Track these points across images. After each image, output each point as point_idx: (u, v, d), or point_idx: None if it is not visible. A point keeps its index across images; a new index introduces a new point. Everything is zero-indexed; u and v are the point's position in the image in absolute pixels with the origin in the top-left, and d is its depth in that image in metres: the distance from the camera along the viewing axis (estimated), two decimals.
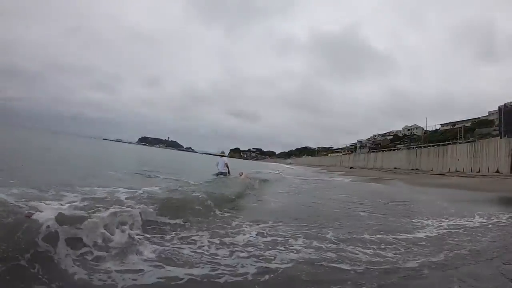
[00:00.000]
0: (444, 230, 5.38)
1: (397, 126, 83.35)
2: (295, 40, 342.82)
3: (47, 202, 3.83)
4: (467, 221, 6.33)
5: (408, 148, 48.79)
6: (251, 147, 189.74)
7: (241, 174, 13.18)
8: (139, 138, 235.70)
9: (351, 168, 52.79)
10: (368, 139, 77.06)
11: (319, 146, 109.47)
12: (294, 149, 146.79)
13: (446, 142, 38.86)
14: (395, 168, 43.44)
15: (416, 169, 38.89)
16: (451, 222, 6.11)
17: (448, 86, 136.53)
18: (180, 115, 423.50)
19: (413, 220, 6.17)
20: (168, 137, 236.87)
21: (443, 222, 6.11)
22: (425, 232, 5.21)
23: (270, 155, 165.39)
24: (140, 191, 5.76)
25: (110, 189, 6.07)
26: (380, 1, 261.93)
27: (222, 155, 13.89)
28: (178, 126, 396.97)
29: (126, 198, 5.04)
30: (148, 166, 17.82)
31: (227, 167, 12.71)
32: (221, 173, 12.54)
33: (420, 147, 44.91)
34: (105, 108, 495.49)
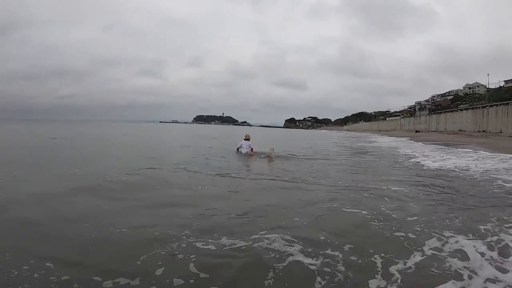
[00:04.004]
0: None
1: (451, 85, 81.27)
2: (325, 2, 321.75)
3: None
4: None
5: (473, 108, 46.39)
6: (306, 116, 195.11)
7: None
8: (194, 117, 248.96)
9: (416, 131, 50.95)
10: (426, 100, 77.10)
11: (376, 111, 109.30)
12: (350, 115, 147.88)
13: None
14: (460, 130, 42.64)
15: (483, 130, 38.35)
16: None
17: (499, 36, 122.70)
18: (228, 91, 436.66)
19: None
20: (223, 113, 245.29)
21: None
22: None
23: (326, 123, 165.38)
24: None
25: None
26: None
27: (247, 138, 13.65)
28: (230, 102, 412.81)
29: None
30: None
31: (251, 149, 13.20)
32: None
33: (486, 106, 42.46)
34: (155, 92, 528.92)
